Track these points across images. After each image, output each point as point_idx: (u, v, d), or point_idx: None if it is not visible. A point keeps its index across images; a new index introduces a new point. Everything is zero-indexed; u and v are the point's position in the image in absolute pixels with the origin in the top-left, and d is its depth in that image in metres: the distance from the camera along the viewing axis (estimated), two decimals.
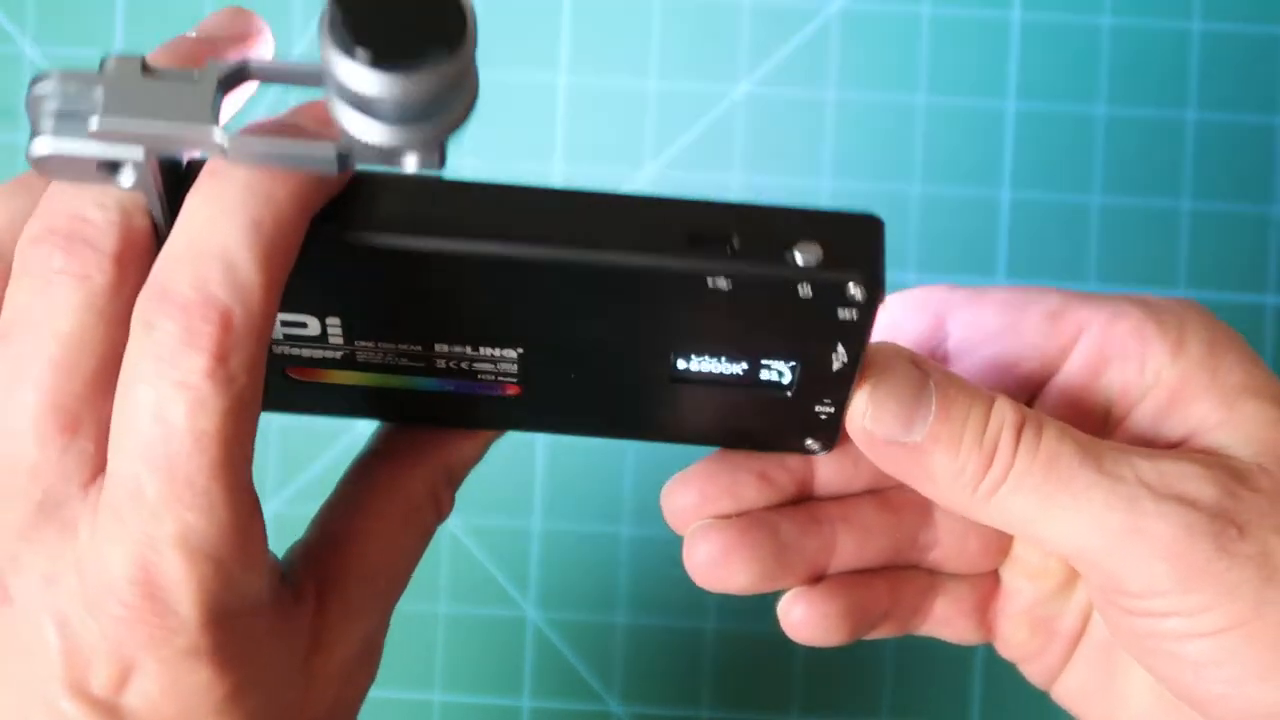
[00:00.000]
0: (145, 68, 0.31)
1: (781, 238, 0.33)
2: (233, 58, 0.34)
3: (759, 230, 0.33)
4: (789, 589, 0.41)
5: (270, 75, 0.32)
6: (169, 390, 0.30)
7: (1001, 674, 0.51)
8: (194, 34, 0.34)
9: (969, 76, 0.55)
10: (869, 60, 0.55)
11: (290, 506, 0.55)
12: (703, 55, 0.55)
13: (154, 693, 0.32)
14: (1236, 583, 0.36)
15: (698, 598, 0.55)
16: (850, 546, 0.40)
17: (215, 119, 0.31)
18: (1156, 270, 0.55)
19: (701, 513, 0.40)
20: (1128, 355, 0.38)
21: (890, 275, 0.33)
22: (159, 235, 0.32)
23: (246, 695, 0.33)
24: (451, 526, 0.55)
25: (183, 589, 0.31)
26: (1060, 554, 0.39)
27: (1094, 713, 0.42)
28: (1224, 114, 0.55)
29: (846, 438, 0.38)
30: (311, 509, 0.38)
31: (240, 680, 0.33)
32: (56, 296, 0.31)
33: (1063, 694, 0.43)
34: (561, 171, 0.55)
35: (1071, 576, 0.41)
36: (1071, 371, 0.39)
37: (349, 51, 0.28)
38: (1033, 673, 0.43)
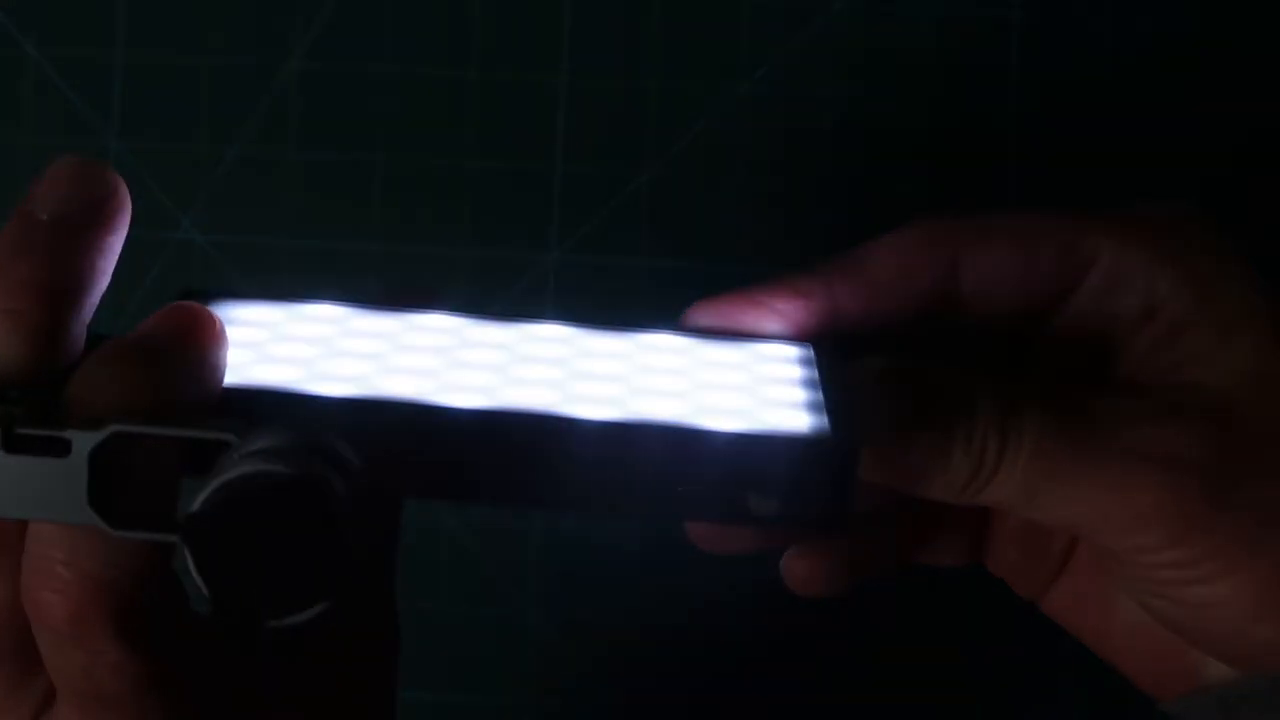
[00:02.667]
0: (8, 438, 0.30)
1: (742, 479, 0.33)
2: (94, 242, 0.33)
3: (722, 473, 0.33)
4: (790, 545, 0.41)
5: (140, 456, 0.31)
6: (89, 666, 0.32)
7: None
8: (44, 216, 0.33)
9: (966, 76, 0.55)
10: (868, 60, 0.55)
11: None
12: (702, 55, 0.55)
13: None
14: (1227, 534, 0.36)
15: (699, 596, 0.55)
16: None
17: (90, 505, 0.30)
18: None
19: None
20: (1135, 285, 0.39)
21: None
22: None
23: None
24: (451, 526, 0.55)
25: None
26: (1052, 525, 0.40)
27: (1083, 625, 0.42)
28: (1226, 112, 0.55)
29: None
30: None
31: None
32: None
33: (1051, 607, 0.43)
34: (561, 171, 0.55)
35: None
36: (1080, 299, 0.39)
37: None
38: (1022, 587, 0.43)
